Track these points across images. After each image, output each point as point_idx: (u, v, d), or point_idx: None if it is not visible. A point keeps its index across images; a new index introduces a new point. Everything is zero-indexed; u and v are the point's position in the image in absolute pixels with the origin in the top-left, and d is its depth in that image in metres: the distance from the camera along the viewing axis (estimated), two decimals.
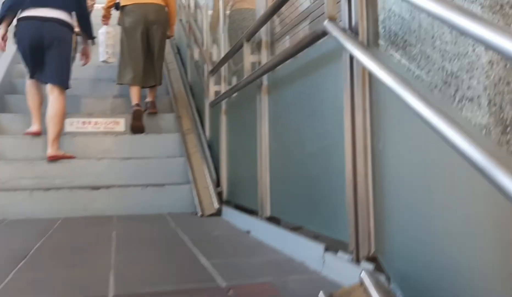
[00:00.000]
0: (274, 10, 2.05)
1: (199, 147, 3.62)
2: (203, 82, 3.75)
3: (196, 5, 4.74)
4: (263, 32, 2.31)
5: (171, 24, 4.13)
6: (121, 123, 3.94)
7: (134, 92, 3.90)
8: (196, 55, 4.06)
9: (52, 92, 3.39)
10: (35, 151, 3.47)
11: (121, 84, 4.06)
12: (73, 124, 3.82)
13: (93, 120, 3.91)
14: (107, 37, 4.03)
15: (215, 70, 3.30)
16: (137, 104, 3.89)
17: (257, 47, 2.41)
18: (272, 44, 2.35)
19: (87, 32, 3.65)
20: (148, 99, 4.11)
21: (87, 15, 3.68)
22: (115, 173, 3.41)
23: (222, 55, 3.18)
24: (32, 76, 3.47)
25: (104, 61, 4.15)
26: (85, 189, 3.19)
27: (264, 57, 2.31)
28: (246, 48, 2.46)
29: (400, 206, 1.18)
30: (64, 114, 3.45)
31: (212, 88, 3.43)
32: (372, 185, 1.32)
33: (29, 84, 3.52)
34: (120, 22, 3.98)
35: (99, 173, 3.38)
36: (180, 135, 3.78)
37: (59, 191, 3.15)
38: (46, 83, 3.44)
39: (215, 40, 3.87)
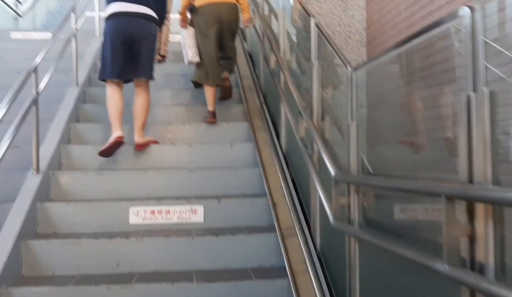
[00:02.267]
0: None
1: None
2: (279, 91, 3.56)
3: (271, 10, 4.60)
4: None
5: (245, 19, 4.13)
6: (199, 213, 3.11)
7: (210, 94, 3.94)
8: (272, 63, 3.89)
9: (139, 85, 3.58)
10: None
11: (195, 82, 4.16)
12: (139, 214, 3.04)
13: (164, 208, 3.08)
14: (188, 39, 3.97)
15: None
16: (213, 112, 3.91)
17: None
18: None
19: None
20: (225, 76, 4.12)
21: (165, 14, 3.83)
22: None
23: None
24: (117, 76, 3.48)
25: (190, 63, 4.07)
26: None
27: None
28: None
29: None
30: (150, 105, 3.62)
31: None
32: None
33: (112, 90, 3.50)
34: (194, 24, 3.98)
35: None
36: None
37: None
38: (135, 78, 3.54)
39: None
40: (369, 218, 2.06)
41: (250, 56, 5.32)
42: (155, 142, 3.66)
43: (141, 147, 3.53)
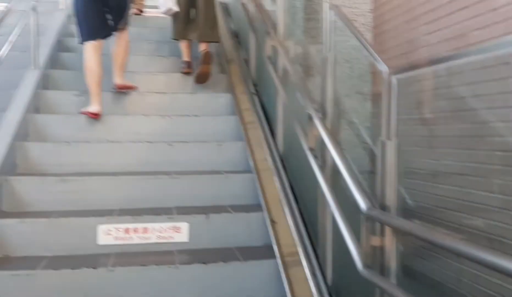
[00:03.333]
0: None
1: None
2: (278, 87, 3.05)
3: None
4: None
5: None
6: (183, 230, 2.57)
7: (183, 46, 3.93)
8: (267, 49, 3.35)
9: (118, 35, 3.51)
10: None
11: (175, 39, 4.02)
12: (110, 234, 2.48)
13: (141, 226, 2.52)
14: None
15: None
16: (188, 62, 3.90)
17: None
18: None
19: None
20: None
21: None
22: None
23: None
24: (98, 34, 3.32)
25: (168, 10, 3.88)
26: None
27: None
28: None
29: None
30: (129, 48, 3.58)
31: None
32: None
33: (90, 55, 3.27)
34: None
35: None
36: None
37: None
38: (115, 31, 3.46)
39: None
40: (410, 269, 1.60)
41: (237, 36, 4.75)
42: (134, 88, 3.60)
43: (122, 88, 3.53)
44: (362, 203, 1.69)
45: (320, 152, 2.28)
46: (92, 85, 3.24)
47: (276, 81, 3.04)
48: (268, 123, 3.41)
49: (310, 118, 2.27)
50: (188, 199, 2.84)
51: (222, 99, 3.76)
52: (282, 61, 2.89)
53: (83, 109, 3.25)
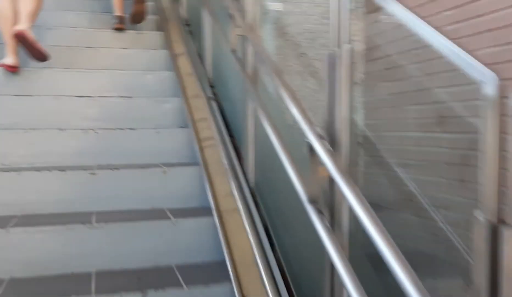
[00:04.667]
0: None
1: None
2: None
3: None
4: None
5: None
6: None
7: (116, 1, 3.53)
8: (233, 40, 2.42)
9: None
10: None
11: None
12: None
13: None
14: None
15: None
16: (120, 16, 3.49)
17: None
18: None
19: None
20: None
21: None
22: None
23: None
24: None
25: None
26: None
27: None
28: None
29: None
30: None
31: None
32: None
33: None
34: None
35: None
36: None
37: None
38: None
39: None
40: None
41: (187, 24, 3.79)
42: (42, 50, 2.79)
43: (20, 36, 2.70)
44: None
45: (329, 206, 1.40)
46: (5, 33, 2.81)
47: (247, 84, 2.14)
48: (232, 142, 2.49)
49: (310, 150, 1.38)
50: (115, 258, 1.89)
51: (168, 105, 2.82)
52: (261, 56, 1.98)
53: None
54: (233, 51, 2.29)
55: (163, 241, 1.97)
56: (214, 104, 2.77)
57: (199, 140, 2.50)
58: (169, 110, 2.80)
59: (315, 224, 1.34)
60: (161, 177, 2.28)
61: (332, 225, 1.39)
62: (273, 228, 1.97)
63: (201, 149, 2.45)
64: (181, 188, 2.28)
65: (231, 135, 2.54)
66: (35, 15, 2.89)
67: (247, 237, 1.92)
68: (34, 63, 2.86)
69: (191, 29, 3.70)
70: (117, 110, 2.71)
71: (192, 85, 2.97)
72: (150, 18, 3.74)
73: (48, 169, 2.20)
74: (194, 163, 2.40)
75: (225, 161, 2.31)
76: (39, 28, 3.04)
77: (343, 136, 1.33)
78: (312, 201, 1.35)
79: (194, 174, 2.33)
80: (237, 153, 2.40)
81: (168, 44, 3.44)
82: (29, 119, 2.57)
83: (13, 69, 2.79)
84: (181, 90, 2.92)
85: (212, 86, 2.95)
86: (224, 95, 2.81)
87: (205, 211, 2.12)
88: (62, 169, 2.20)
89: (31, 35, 2.75)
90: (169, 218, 2.03)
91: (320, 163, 1.36)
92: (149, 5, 4.22)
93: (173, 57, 3.28)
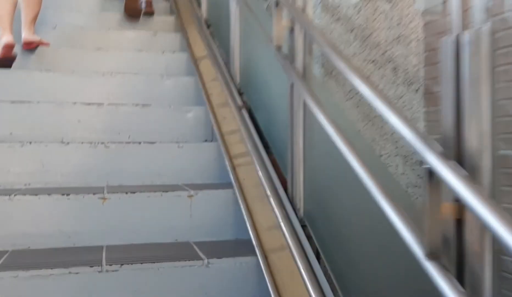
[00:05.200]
0: None
1: None
2: None
3: None
4: None
5: None
6: None
7: None
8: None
9: None
10: None
11: None
12: None
13: None
14: None
15: None
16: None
17: None
18: None
19: None
20: None
21: None
22: None
23: None
24: None
25: None
26: None
27: None
28: None
29: None
30: None
31: None
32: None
33: None
34: None
35: None
36: None
37: None
38: None
39: None
40: None
41: (208, 24, 3.39)
42: (45, 44, 2.91)
43: (29, 46, 2.85)
44: None
45: (457, 257, 0.95)
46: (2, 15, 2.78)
47: (299, 88, 1.71)
48: (271, 159, 2.05)
49: (429, 177, 0.94)
50: None
51: (191, 115, 2.40)
52: (329, 53, 1.52)
53: None
54: (278, 49, 1.86)
55: (193, 288, 1.53)
56: (245, 114, 2.34)
57: (230, 158, 2.07)
58: (191, 121, 2.38)
59: (441, 288, 0.89)
60: (186, 202, 1.85)
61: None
62: (335, 273, 1.53)
63: (233, 168, 2.02)
64: (212, 217, 1.85)
65: (268, 152, 2.10)
66: (36, 17, 2.94)
67: (305, 286, 1.47)
68: (33, 64, 2.46)
69: (212, 30, 3.29)
70: (131, 120, 2.29)
71: (218, 92, 2.55)
72: (167, 18, 3.35)
73: (48, 191, 1.77)
74: (225, 185, 1.97)
75: (265, 183, 1.87)
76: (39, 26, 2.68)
77: (485, 158, 0.89)
78: (433, 256, 0.91)
79: (226, 198, 1.90)
80: (278, 174, 1.96)
81: (187, 46, 3.03)
82: (26, 131, 2.15)
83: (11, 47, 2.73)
84: (205, 97, 2.50)
85: (240, 93, 2.52)
86: (256, 103, 2.38)
87: (243, 246, 1.68)
88: (64, 192, 1.77)
89: (37, 38, 2.85)
90: (200, 258, 1.58)
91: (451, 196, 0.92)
92: (164, 6, 3.85)
93: (194, 61, 2.86)
